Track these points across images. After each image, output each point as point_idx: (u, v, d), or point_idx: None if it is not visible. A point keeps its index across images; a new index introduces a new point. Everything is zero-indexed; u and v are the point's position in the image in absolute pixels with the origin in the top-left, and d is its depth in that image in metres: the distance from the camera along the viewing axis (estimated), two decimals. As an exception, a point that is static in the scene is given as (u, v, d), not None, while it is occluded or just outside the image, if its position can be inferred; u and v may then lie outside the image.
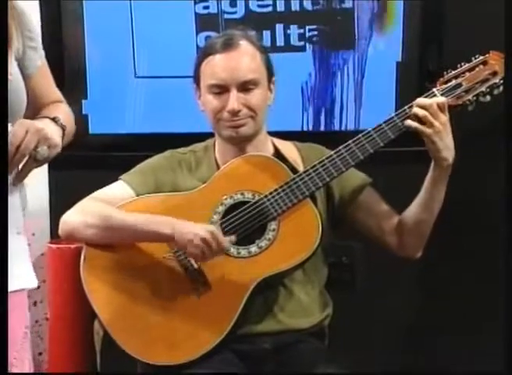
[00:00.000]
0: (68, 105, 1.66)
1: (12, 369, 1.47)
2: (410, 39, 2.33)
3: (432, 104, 1.74)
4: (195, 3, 2.33)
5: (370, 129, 1.77)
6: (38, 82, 1.57)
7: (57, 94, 1.64)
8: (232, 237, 1.75)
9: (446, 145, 1.75)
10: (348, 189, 1.90)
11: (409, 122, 1.75)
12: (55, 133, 1.45)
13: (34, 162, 1.41)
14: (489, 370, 2.09)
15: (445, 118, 1.74)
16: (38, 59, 1.56)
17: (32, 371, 1.56)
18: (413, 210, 1.87)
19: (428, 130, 1.74)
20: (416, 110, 1.75)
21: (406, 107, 1.77)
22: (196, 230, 1.70)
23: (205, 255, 1.71)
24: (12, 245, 1.41)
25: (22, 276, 1.47)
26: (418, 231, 1.88)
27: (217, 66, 1.79)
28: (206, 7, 2.34)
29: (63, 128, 1.50)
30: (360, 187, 1.91)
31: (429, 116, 1.73)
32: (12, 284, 1.41)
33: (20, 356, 1.51)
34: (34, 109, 1.54)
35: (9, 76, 1.41)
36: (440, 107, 1.74)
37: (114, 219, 1.78)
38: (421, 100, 1.76)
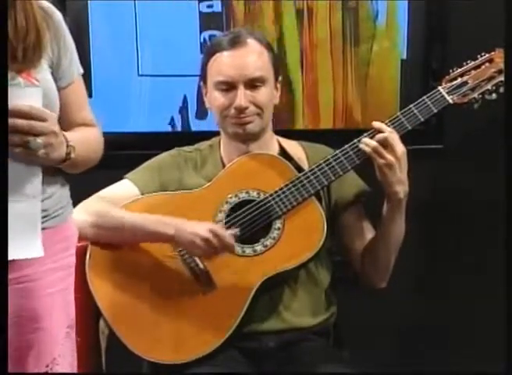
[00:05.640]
0: (98, 129, 1.60)
1: (55, 368, 1.47)
2: (415, 37, 2.32)
3: (385, 138, 1.71)
4: (199, 2, 2.32)
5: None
6: (69, 97, 1.51)
7: (88, 115, 1.58)
8: (236, 230, 1.75)
9: (398, 179, 1.73)
10: (343, 196, 1.89)
11: (362, 146, 1.74)
12: (58, 148, 1.39)
13: (27, 148, 1.33)
14: (489, 370, 2.09)
15: (400, 152, 1.72)
16: (73, 74, 1.52)
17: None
18: (371, 242, 1.86)
19: (379, 161, 1.72)
20: (366, 140, 1.73)
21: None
22: (197, 230, 1.70)
23: (209, 254, 1.71)
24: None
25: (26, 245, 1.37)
26: (375, 264, 1.86)
27: (224, 63, 1.79)
28: (210, 6, 2.33)
29: (67, 158, 1.44)
30: (355, 196, 1.90)
31: (380, 148, 1.71)
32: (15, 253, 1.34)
33: (62, 357, 1.50)
34: (62, 125, 1.47)
35: (35, 82, 1.37)
36: (391, 140, 1.71)
37: (115, 219, 1.78)
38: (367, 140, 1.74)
